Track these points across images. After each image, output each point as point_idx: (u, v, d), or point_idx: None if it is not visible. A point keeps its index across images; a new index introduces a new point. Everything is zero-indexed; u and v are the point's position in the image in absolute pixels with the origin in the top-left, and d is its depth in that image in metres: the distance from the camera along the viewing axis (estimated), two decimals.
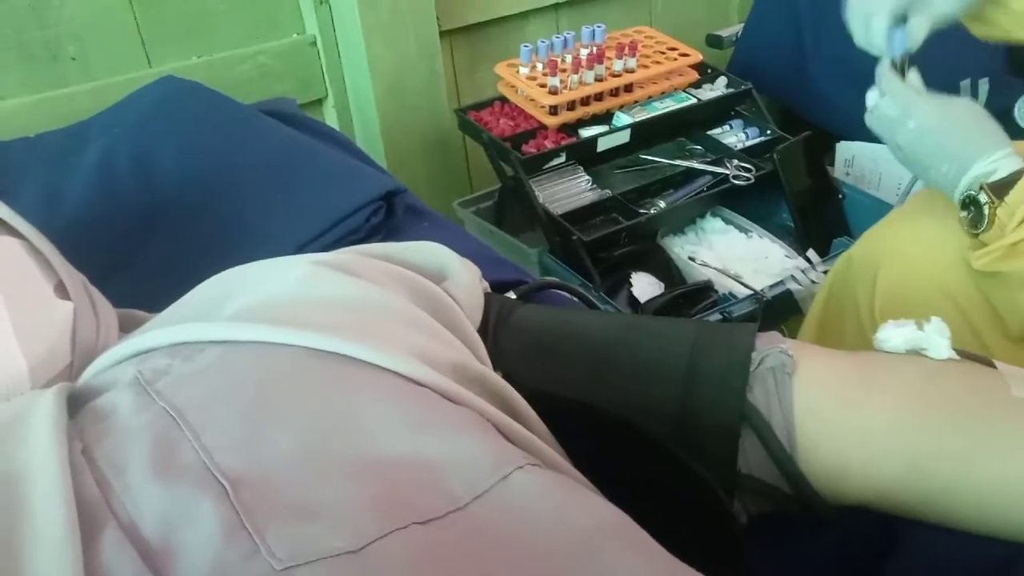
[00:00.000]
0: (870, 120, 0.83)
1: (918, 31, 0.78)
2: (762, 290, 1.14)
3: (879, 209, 0.91)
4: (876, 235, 0.88)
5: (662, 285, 1.22)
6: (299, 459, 0.36)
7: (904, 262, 0.82)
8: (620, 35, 1.39)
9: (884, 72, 0.81)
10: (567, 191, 1.28)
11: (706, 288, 1.20)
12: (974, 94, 1.29)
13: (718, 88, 1.42)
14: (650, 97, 1.37)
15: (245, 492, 0.33)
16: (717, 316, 1.10)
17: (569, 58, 1.30)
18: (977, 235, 0.73)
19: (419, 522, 0.33)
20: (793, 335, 1.02)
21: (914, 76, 0.81)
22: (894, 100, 0.80)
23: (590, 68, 1.28)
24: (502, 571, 0.33)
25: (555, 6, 1.60)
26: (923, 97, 0.79)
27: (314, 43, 1.34)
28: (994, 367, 0.51)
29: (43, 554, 0.30)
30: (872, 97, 0.83)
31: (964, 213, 0.74)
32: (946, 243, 0.76)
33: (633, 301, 1.19)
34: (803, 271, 1.18)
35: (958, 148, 0.75)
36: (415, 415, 0.39)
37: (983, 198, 0.72)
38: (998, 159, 0.72)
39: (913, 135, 0.78)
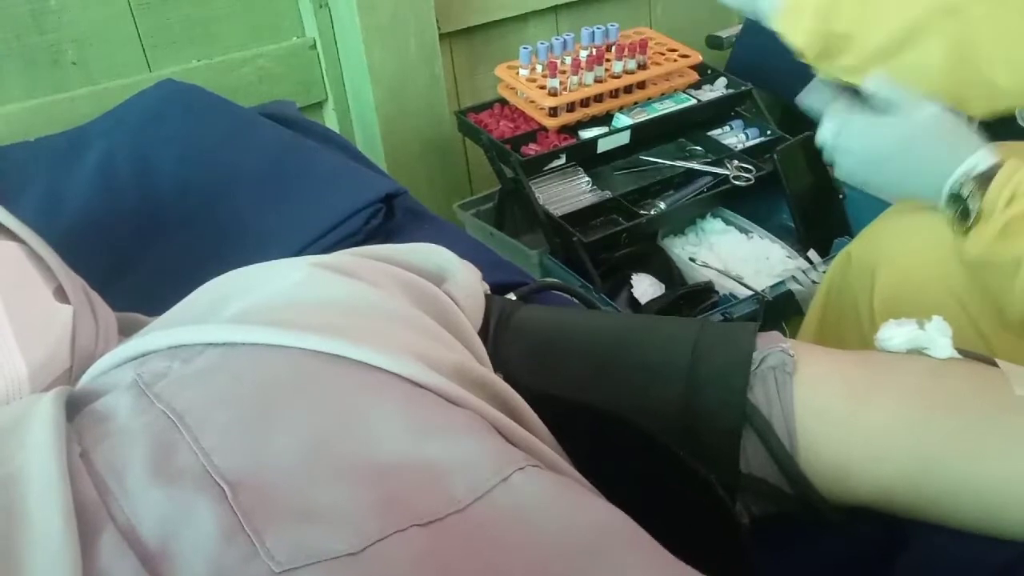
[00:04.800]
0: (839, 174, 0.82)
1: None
2: (763, 291, 1.14)
3: (880, 209, 0.91)
4: (874, 231, 0.87)
5: (663, 286, 1.22)
6: (300, 462, 0.36)
7: (903, 256, 0.81)
8: (620, 36, 1.39)
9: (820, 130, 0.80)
10: (567, 192, 1.28)
11: (707, 289, 1.20)
12: None
13: (718, 89, 1.42)
14: (650, 98, 1.37)
15: (244, 494, 0.33)
16: (718, 317, 1.10)
17: (569, 60, 1.30)
18: (967, 230, 0.72)
19: (419, 524, 0.33)
20: (795, 335, 1.02)
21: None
22: (845, 132, 0.79)
23: (590, 70, 1.28)
24: (502, 572, 0.33)
25: (554, 8, 1.60)
26: (863, 120, 0.77)
27: (314, 46, 1.34)
28: (996, 366, 0.51)
29: (41, 558, 0.30)
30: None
31: (951, 211, 0.72)
32: (945, 236, 0.75)
33: (634, 302, 1.19)
34: (804, 271, 1.18)
35: (927, 171, 0.74)
36: (416, 418, 0.39)
37: (966, 191, 0.70)
38: (972, 161, 0.71)
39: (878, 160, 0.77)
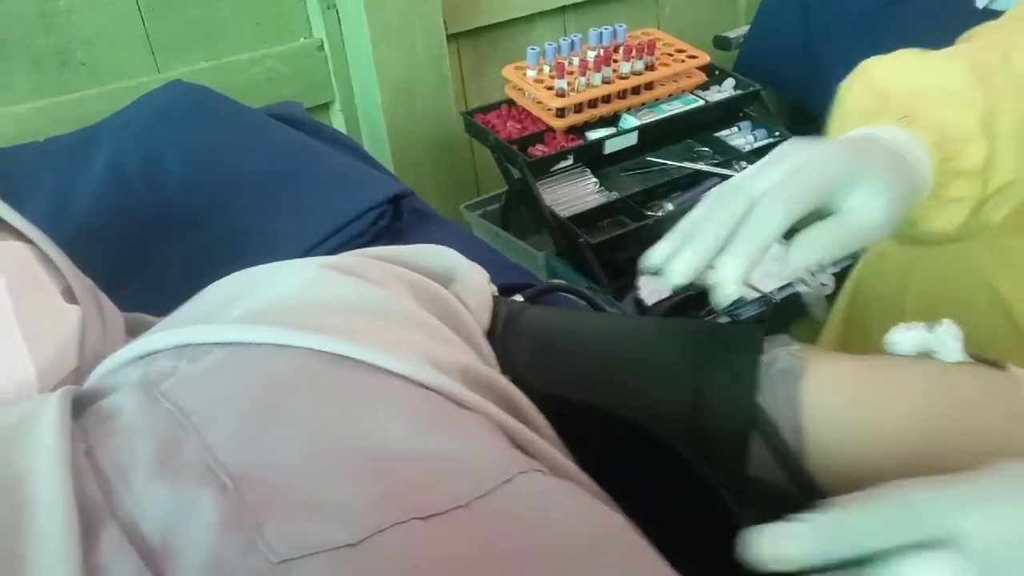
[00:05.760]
0: None
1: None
2: (771, 292, 1.14)
3: None
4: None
5: (669, 288, 1.22)
6: (303, 458, 0.36)
7: (942, 257, 0.76)
8: (628, 37, 1.38)
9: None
10: (574, 194, 1.27)
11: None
12: None
13: (726, 90, 1.41)
14: (657, 99, 1.36)
15: (246, 489, 0.33)
16: (725, 319, 1.10)
17: (576, 61, 1.30)
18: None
19: (420, 517, 0.33)
20: (804, 338, 1.01)
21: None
22: None
23: (597, 70, 1.28)
24: (499, 569, 0.32)
25: (562, 9, 1.60)
26: None
27: (321, 47, 1.34)
28: (1007, 370, 0.51)
29: (44, 556, 0.30)
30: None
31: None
32: (992, 236, 0.72)
33: (640, 304, 1.18)
34: (812, 273, 1.17)
35: None
36: (422, 418, 0.39)
37: None
38: None
39: None
